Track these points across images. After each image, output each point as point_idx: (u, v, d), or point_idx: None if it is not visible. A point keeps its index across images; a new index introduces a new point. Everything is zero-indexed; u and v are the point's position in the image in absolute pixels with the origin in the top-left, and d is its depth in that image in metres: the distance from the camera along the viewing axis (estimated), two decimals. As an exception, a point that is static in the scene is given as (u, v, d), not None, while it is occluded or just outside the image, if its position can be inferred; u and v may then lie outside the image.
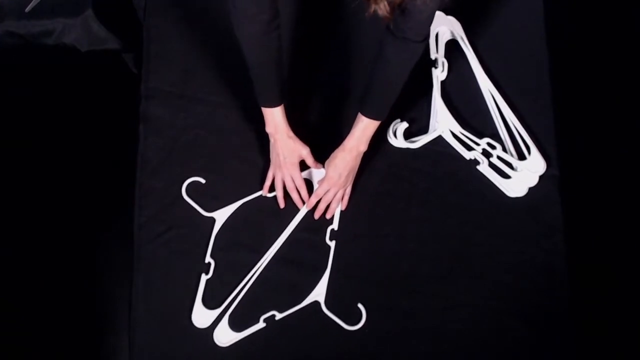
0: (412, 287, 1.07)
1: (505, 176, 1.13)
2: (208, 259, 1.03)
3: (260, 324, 1.01)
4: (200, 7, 1.17)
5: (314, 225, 1.07)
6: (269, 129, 1.03)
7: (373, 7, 0.66)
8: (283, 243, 1.06)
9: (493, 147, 1.14)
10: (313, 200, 1.06)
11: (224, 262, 1.04)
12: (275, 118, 1.01)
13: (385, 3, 0.65)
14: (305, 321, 1.02)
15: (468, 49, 1.19)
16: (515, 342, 1.08)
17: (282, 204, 1.07)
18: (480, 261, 1.10)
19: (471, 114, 1.17)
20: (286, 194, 1.07)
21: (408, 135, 1.13)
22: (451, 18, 1.21)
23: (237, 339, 1.00)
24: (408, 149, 1.13)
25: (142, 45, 1.14)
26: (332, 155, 1.04)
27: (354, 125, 1.02)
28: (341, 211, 1.09)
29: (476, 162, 1.14)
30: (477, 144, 1.14)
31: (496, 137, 1.16)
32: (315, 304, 1.03)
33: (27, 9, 1.31)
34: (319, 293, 1.03)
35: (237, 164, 1.09)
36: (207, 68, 1.14)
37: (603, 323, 1.51)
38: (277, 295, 1.03)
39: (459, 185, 1.14)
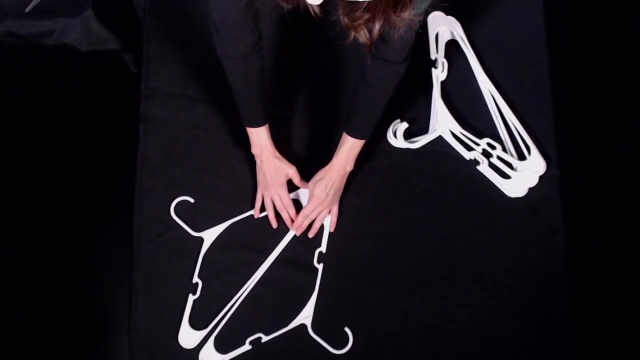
0: (412, 287, 1.07)
1: (505, 176, 1.13)
2: (195, 279, 1.02)
3: (246, 347, 1.00)
4: (201, 7, 1.17)
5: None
6: (254, 150, 1.04)
7: (353, 34, 0.67)
8: (271, 264, 1.05)
9: (493, 147, 1.14)
10: (300, 220, 1.06)
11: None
12: (260, 138, 1.02)
13: (365, 31, 0.66)
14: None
15: (468, 49, 1.19)
16: (515, 342, 1.07)
17: (274, 224, 1.07)
18: (480, 261, 1.10)
19: (471, 114, 1.17)
20: (277, 214, 1.07)
21: (408, 135, 1.13)
22: (451, 18, 1.21)
23: (222, 362, 0.99)
24: (408, 149, 1.13)
25: (142, 45, 1.14)
26: (318, 175, 1.04)
27: (339, 146, 1.03)
28: (338, 216, 1.08)
29: (476, 162, 1.14)
30: (477, 144, 1.14)
31: (496, 137, 1.16)
32: (302, 326, 1.02)
33: (27, 9, 1.31)
34: (306, 316, 1.02)
35: (237, 163, 1.09)
36: (207, 68, 1.13)
37: (603, 323, 1.51)
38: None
39: (459, 185, 1.14)
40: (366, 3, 0.61)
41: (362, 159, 1.12)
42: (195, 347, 1.00)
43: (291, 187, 1.08)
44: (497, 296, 1.09)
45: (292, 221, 1.07)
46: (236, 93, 0.98)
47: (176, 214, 1.05)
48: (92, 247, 1.50)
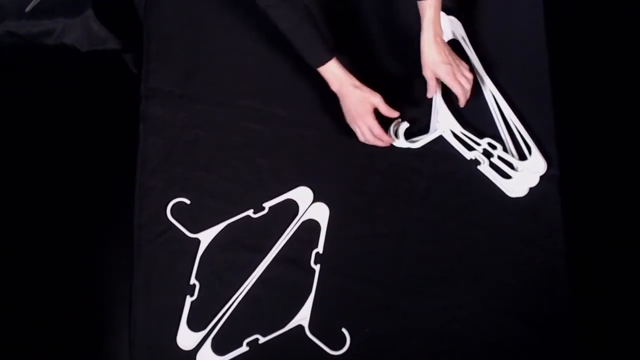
0: (412, 288, 1.07)
1: (506, 176, 1.13)
2: (193, 280, 1.02)
3: (244, 348, 1.00)
4: (201, 7, 1.17)
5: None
6: (333, 87, 1.01)
7: None
8: (269, 264, 1.05)
9: (494, 147, 1.14)
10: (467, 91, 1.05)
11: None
12: (334, 73, 0.98)
13: None
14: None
15: (469, 49, 1.19)
16: (515, 342, 1.07)
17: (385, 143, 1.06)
18: (480, 261, 1.10)
19: (472, 114, 1.17)
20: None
21: (409, 135, 1.13)
22: (452, 18, 1.21)
23: (219, 363, 1.00)
24: (408, 149, 1.13)
25: (142, 45, 1.14)
26: (425, 53, 1.03)
27: (422, 17, 1.01)
28: (336, 215, 1.08)
29: (477, 162, 1.14)
30: (478, 144, 1.14)
31: (497, 137, 1.16)
32: (299, 327, 1.02)
33: (27, 9, 1.31)
34: (303, 317, 1.02)
35: (238, 163, 1.09)
36: (207, 68, 1.13)
37: (603, 323, 1.51)
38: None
39: (459, 185, 1.14)
40: None
41: (362, 159, 1.12)
42: (193, 348, 1.00)
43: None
44: (497, 296, 1.09)
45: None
46: (292, 39, 0.97)
47: (175, 215, 1.05)
48: (92, 247, 1.51)
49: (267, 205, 1.07)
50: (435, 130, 1.13)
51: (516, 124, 1.16)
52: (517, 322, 1.08)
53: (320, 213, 1.09)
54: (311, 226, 1.08)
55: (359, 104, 1.01)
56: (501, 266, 1.10)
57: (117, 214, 1.45)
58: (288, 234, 1.07)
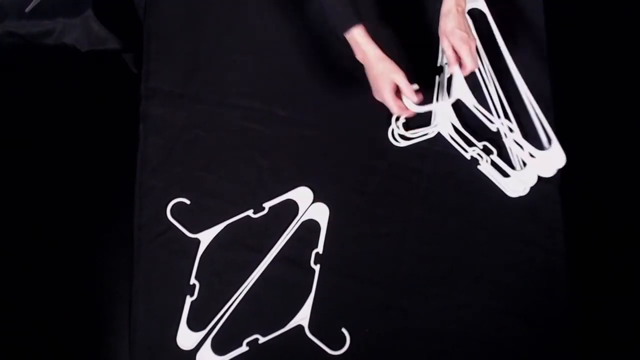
0: (412, 287, 1.07)
1: (506, 175, 1.13)
2: (193, 280, 1.02)
3: (244, 348, 1.00)
4: (201, 6, 1.17)
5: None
6: (358, 56, 0.98)
7: None
8: (269, 264, 1.05)
9: (490, 152, 1.14)
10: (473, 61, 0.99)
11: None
12: (358, 40, 0.96)
13: None
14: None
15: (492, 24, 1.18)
16: (515, 342, 1.08)
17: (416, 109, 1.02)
18: (480, 261, 1.10)
19: (471, 114, 1.17)
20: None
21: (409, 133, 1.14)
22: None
23: (219, 363, 1.00)
24: (408, 148, 1.13)
25: (142, 45, 1.14)
26: (443, 21, 0.99)
27: None
28: (336, 215, 1.08)
29: (476, 162, 1.14)
30: (475, 146, 1.14)
31: (496, 138, 1.16)
32: (299, 327, 1.02)
33: (27, 9, 1.31)
34: (303, 317, 1.02)
35: (238, 163, 1.09)
36: (207, 67, 1.13)
37: (603, 323, 1.51)
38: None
39: (459, 185, 1.14)
40: None
41: (362, 159, 1.12)
42: (193, 348, 1.00)
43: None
44: (497, 296, 1.09)
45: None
46: (320, 5, 0.95)
47: (175, 215, 1.05)
48: (92, 247, 1.51)
49: (267, 205, 1.07)
50: (435, 126, 1.13)
51: (537, 111, 1.11)
52: (517, 322, 1.08)
53: (320, 213, 1.09)
54: (311, 226, 1.08)
55: (379, 77, 0.97)
56: (501, 266, 1.10)
57: (117, 214, 1.46)
58: (288, 234, 1.07)
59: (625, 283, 1.58)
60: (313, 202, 1.09)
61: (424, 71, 1.17)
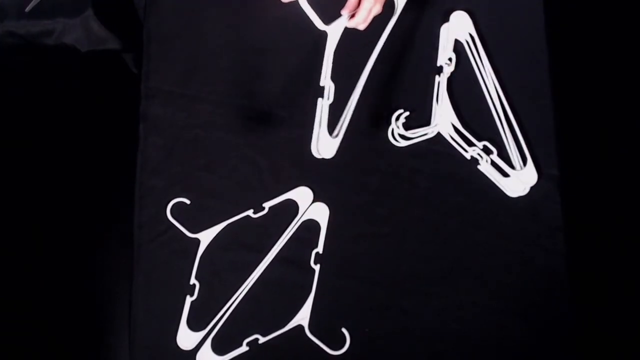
0: (412, 287, 1.07)
1: (506, 175, 1.13)
2: (193, 280, 1.02)
3: (244, 348, 1.01)
4: (201, 6, 1.17)
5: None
6: None
7: None
8: (269, 264, 1.05)
9: (489, 152, 1.14)
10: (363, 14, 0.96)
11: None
12: None
13: None
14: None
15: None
16: (515, 342, 1.08)
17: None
18: (480, 261, 1.10)
19: (472, 114, 1.17)
20: None
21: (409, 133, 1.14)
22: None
23: (219, 364, 1.00)
24: (408, 148, 1.13)
25: (142, 45, 1.14)
26: None
27: None
28: (336, 215, 1.08)
29: (477, 162, 1.14)
30: (475, 145, 1.14)
31: (493, 141, 1.16)
32: (299, 327, 1.02)
33: (27, 9, 1.31)
34: (303, 317, 1.02)
35: (238, 163, 1.09)
36: (208, 67, 1.13)
37: (603, 323, 1.51)
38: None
39: (459, 185, 1.14)
40: None
41: (362, 159, 1.12)
42: (193, 348, 1.00)
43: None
44: (497, 296, 1.09)
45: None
46: None
47: (175, 214, 1.05)
48: (92, 247, 1.51)
49: (267, 205, 1.07)
50: (435, 126, 1.13)
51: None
52: (517, 322, 1.08)
53: (320, 213, 1.09)
54: (311, 226, 1.08)
55: None
56: (501, 266, 1.10)
57: (117, 214, 1.46)
58: (288, 233, 1.07)
59: (625, 283, 1.58)
60: (313, 201, 1.09)
61: (424, 71, 1.17)
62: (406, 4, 1.14)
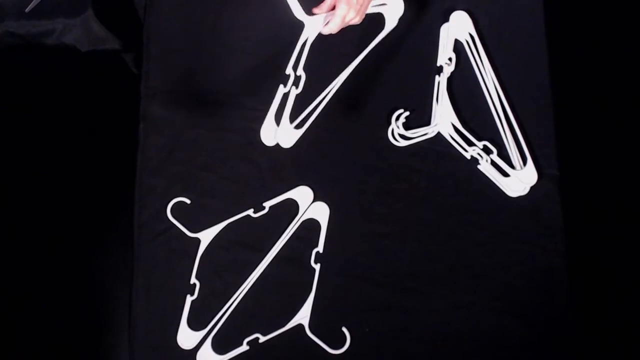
0: (412, 287, 1.07)
1: (506, 174, 1.14)
2: (193, 280, 1.02)
3: (244, 347, 1.01)
4: (201, 6, 1.17)
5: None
6: None
7: None
8: (269, 263, 1.05)
9: (489, 152, 1.14)
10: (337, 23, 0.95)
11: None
12: None
13: None
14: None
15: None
16: (515, 342, 1.08)
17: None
18: (480, 261, 1.10)
19: (471, 114, 1.17)
20: None
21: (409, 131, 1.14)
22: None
23: (219, 363, 1.00)
24: (408, 148, 1.13)
25: (142, 45, 1.14)
26: None
27: None
28: (336, 215, 1.08)
29: (477, 161, 1.14)
30: (475, 145, 1.14)
31: (494, 141, 1.16)
32: (300, 327, 1.02)
33: (27, 9, 1.31)
34: (303, 316, 1.03)
35: (238, 163, 1.09)
36: (208, 67, 1.13)
37: (603, 323, 1.51)
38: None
39: (459, 185, 1.14)
40: None
41: (362, 158, 1.12)
42: (194, 348, 1.00)
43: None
44: (497, 296, 1.09)
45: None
46: None
47: (175, 214, 1.05)
48: (92, 247, 1.51)
49: (268, 204, 1.07)
50: (435, 125, 1.13)
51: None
52: (517, 322, 1.08)
53: (321, 212, 1.09)
54: (311, 225, 1.08)
55: None
56: (501, 266, 1.11)
57: (117, 214, 1.46)
58: (288, 233, 1.07)
59: (625, 283, 1.58)
60: (313, 201, 1.09)
61: (424, 71, 1.17)
62: (406, 4, 1.14)
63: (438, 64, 1.18)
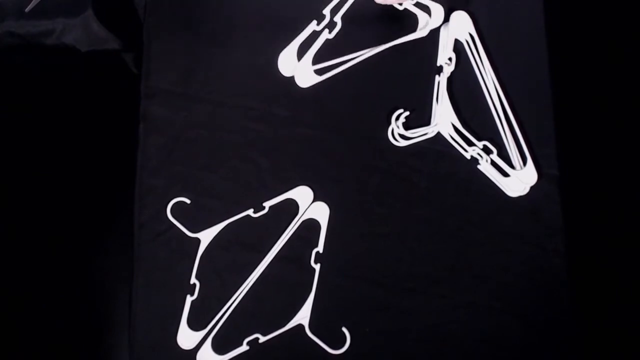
0: (412, 287, 1.07)
1: (506, 175, 1.14)
2: (193, 280, 1.02)
3: (244, 347, 1.01)
4: (201, 6, 1.17)
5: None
6: None
7: None
8: (269, 263, 1.05)
9: (489, 152, 1.14)
10: None
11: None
12: None
13: None
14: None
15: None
16: (515, 342, 1.08)
17: None
18: (480, 261, 1.10)
19: (471, 114, 1.17)
20: None
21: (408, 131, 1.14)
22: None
23: (219, 363, 1.00)
24: (408, 148, 1.13)
25: (142, 45, 1.14)
26: None
27: None
28: (336, 215, 1.08)
29: (477, 161, 1.14)
30: (475, 145, 1.14)
31: (495, 139, 1.16)
32: (300, 327, 1.02)
33: (27, 9, 1.31)
34: (303, 316, 1.02)
35: (239, 163, 1.09)
36: (208, 67, 1.13)
37: (603, 323, 1.51)
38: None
39: (459, 185, 1.14)
40: None
41: (362, 158, 1.12)
42: (194, 348, 1.00)
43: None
44: (497, 296, 1.09)
45: None
46: None
47: (175, 214, 1.05)
48: (92, 247, 1.51)
49: (268, 204, 1.07)
50: (435, 125, 1.13)
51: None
52: (517, 322, 1.08)
53: (321, 212, 1.09)
54: (311, 225, 1.08)
55: None
56: (501, 266, 1.11)
57: (117, 214, 1.46)
58: (288, 233, 1.07)
59: (625, 283, 1.58)
60: (313, 201, 1.09)
61: (424, 71, 1.17)
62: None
63: (438, 64, 1.18)
